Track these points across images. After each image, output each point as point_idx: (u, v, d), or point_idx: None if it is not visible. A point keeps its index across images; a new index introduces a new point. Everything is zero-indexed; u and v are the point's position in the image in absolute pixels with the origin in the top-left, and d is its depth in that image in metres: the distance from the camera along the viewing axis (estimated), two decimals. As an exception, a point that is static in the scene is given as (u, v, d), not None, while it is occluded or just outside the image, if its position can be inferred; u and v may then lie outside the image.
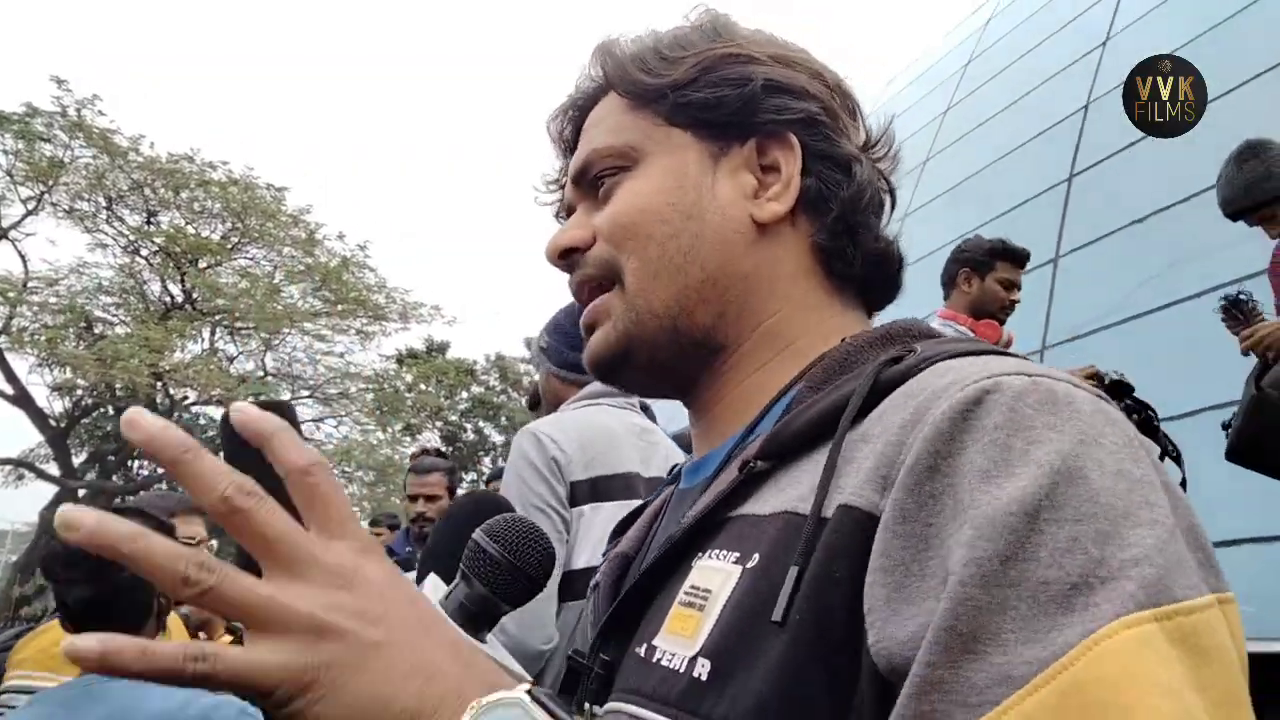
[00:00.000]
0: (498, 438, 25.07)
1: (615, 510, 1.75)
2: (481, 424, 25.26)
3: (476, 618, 0.68)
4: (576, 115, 0.75)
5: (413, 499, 3.69)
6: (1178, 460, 2.62)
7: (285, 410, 0.78)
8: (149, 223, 16.10)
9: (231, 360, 17.32)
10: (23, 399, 14.90)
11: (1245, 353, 2.64)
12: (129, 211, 15.92)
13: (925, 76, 11.38)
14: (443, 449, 4.97)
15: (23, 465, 16.40)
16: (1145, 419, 2.65)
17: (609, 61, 0.70)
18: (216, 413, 17.23)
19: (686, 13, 0.71)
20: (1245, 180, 2.67)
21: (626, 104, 0.69)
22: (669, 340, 0.66)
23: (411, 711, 0.41)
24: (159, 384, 15.40)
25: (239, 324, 16.64)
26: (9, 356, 14.58)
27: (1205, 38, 5.94)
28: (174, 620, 2.37)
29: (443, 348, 23.22)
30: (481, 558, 0.68)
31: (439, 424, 22.39)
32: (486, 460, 24.52)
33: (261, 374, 17.13)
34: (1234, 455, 2.67)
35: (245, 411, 0.46)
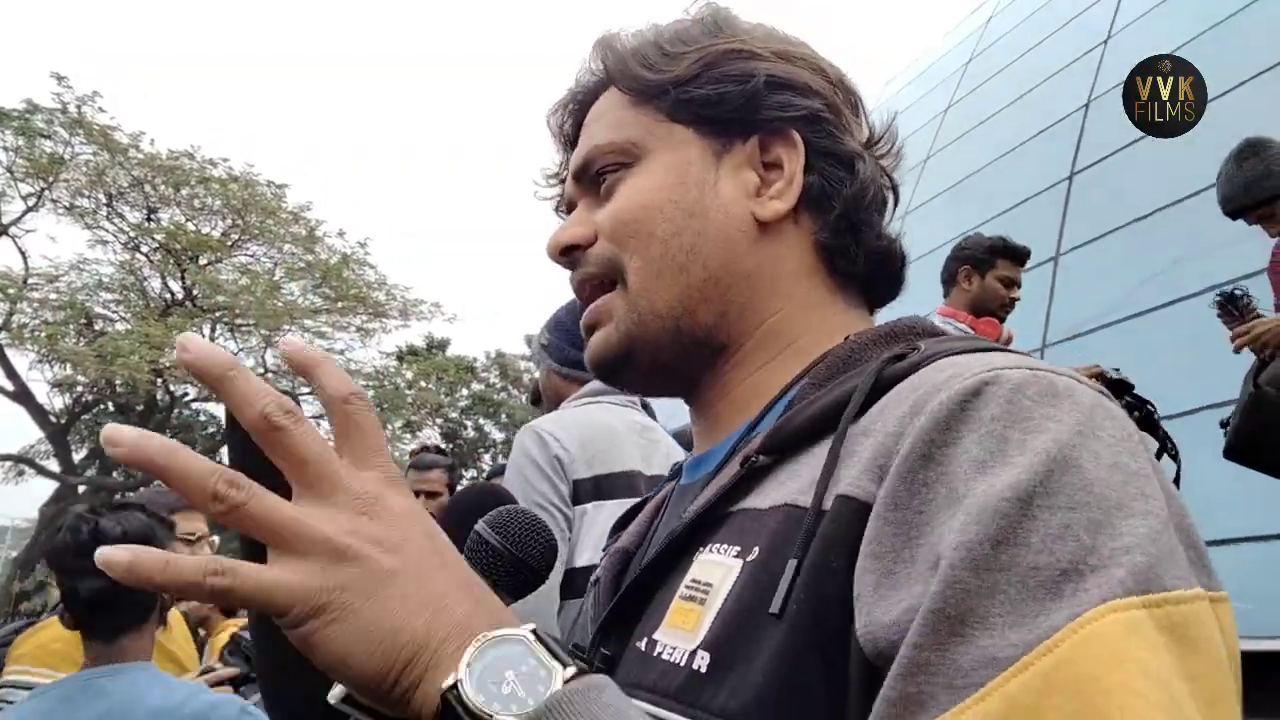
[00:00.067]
0: (498, 435, 25.08)
1: (617, 508, 1.76)
2: (482, 421, 25.26)
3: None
4: (577, 109, 0.74)
5: (413, 495, 3.68)
6: (1175, 458, 2.62)
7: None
8: (149, 219, 16.09)
9: (232, 357, 17.31)
10: (23, 395, 14.91)
11: (1238, 350, 2.65)
12: (129, 208, 15.92)
13: (926, 75, 11.37)
14: (442, 446, 4.94)
15: (23, 461, 16.41)
16: (1146, 415, 2.65)
17: (610, 56, 0.69)
18: (215, 409, 17.25)
19: (687, 6, 0.71)
20: (1245, 178, 2.67)
21: (628, 99, 0.68)
22: (671, 340, 0.65)
23: (420, 640, 0.42)
24: (159, 380, 15.39)
25: (239, 321, 16.64)
26: (9, 353, 14.59)
27: (1206, 36, 5.94)
28: (175, 615, 2.37)
29: (443, 345, 23.23)
30: (484, 549, 0.68)
31: (439, 421, 22.38)
32: (486, 457, 24.53)
33: (262, 371, 17.12)
34: (1232, 453, 2.67)
35: (291, 343, 0.48)
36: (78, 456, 16.81)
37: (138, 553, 0.40)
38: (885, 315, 0.71)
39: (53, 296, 15.24)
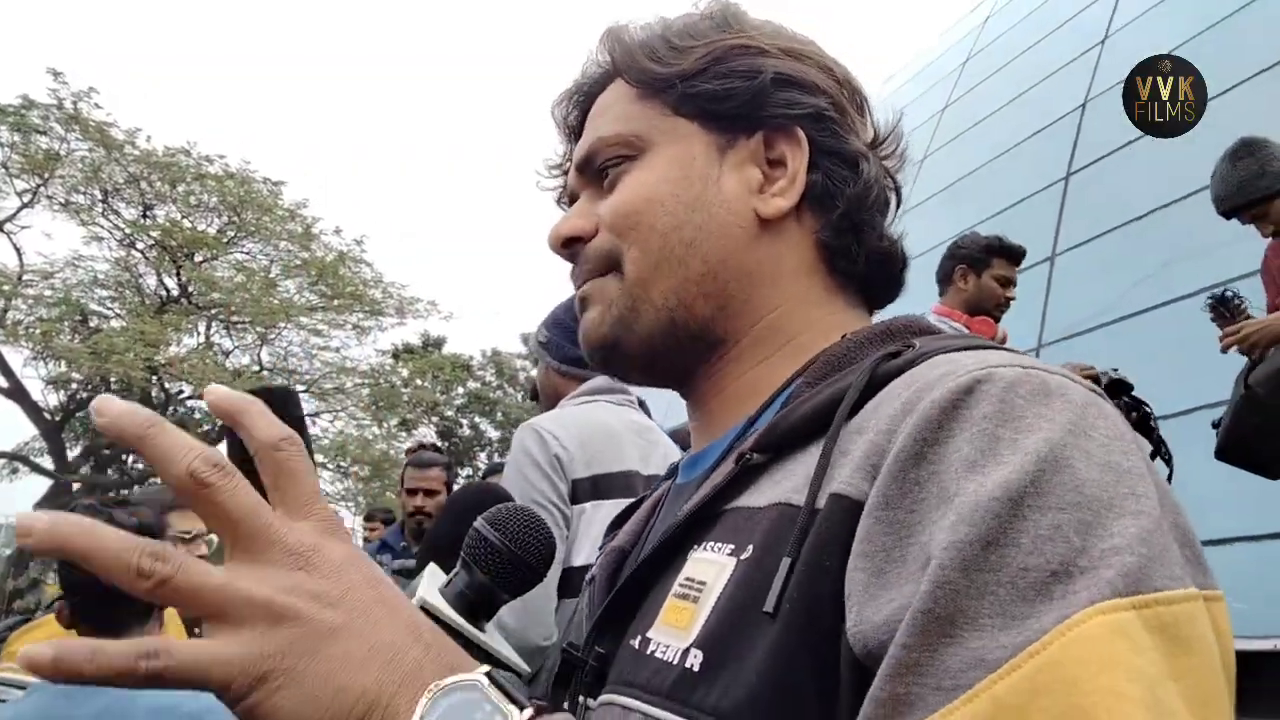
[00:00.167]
0: (493, 433, 25.07)
1: (614, 508, 1.77)
2: (477, 419, 25.26)
3: (476, 606, 0.68)
4: (582, 101, 0.74)
5: (411, 493, 3.65)
6: (1169, 463, 2.63)
7: (287, 395, 0.79)
8: (145, 216, 16.05)
9: (227, 354, 17.29)
10: (17, 392, 14.87)
11: (1225, 350, 2.65)
12: (125, 205, 15.88)
13: (923, 74, 11.38)
14: (439, 444, 4.93)
15: (17, 459, 16.36)
16: (1143, 416, 2.66)
17: (618, 48, 0.69)
18: (212, 407, 17.21)
19: (696, 1, 0.71)
20: (1239, 178, 2.67)
21: (634, 92, 0.68)
22: (665, 332, 0.65)
23: (371, 696, 0.40)
24: (154, 378, 15.36)
25: (235, 318, 16.60)
26: (4, 350, 14.56)
27: (1203, 37, 5.95)
28: (170, 614, 2.36)
29: (439, 343, 23.22)
30: (483, 546, 0.69)
31: (435, 419, 22.37)
32: (482, 456, 24.53)
33: (257, 368, 17.10)
34: (1223, 454, 2.68)
35: (215, 392, 0.46)
36: (72, 454, 16.77)
37: (60, 648, 0.37)
38: (883, 314, 0.71)
39: (47, 293, 15.19)
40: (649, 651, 0.53)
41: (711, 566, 0.52)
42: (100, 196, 15.44)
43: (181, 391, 16.85)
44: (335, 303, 17.16)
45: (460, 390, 23.96)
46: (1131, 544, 0.38)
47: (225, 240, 16.63)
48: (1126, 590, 0.37)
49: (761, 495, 0.53)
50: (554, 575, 1.75)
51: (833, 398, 0.53)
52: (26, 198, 14.75)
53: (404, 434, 18.51)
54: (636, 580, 0.59)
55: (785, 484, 0.52)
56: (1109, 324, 5.44)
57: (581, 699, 0.60)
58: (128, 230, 15.81)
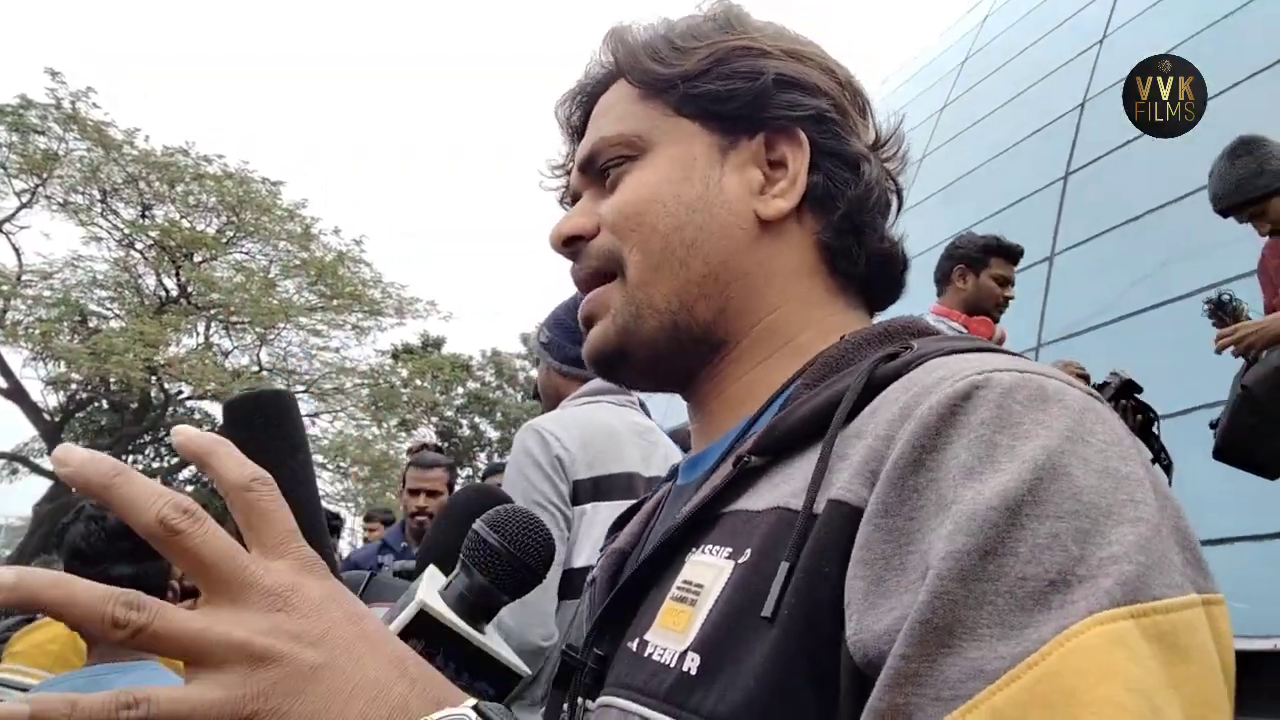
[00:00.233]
0: (493, 433, 25.06)
1: (615, 510, 1.78)
2: (477, 420, 25.25)
3: (476, 608, 0.68)
4: (586, 101, 0.74)
5: (413, 493, 3.64)
6: (1168, 469, 2.64)
7: (285, 400, 0.79)
8: (144, 216, 16.04)
9: (226, 355, 17.28)
10: (17, 393, 14.86)
11: (1219, 351, 2.66)
12: (124, 205, 15.86)
13: (922, 74, 11.38)
14: (440, 445, 4.93)
15: (16, 459, 16.35)
16: (1147, 420, 2.67)
17: (620, 48, 0.69)
18: (210, 407, 17.22)
19: (699, 2, 0.71)
20: (1237, 176, 2.67)
21: (637, 92, 0.68)
22: (668, 336, 0.65)
23: None
24: (153, 378, 15.35)
25: (234, 318, 16.59)
26: (3, 350, 14.53)
27: (1201, 36, 5.95)
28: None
29: (438, 343, 23.19)
30: (482, 548, 0.69)
31: (434, 419, 22.37)
32: (482, 456, 24.51)
33: (256, 369, 17.09)
34: (1221, 454, 2.68)
35: (183, 433, 0.46)
36: (72, 454, 16.71)
37: (37, 704, 0.37)
38: (881, 314, 0.72)
39: (46, 294, 15.17)
40: (647, 654, 0.53)
41: (709, 569, 0.52)
42: (99, 196, 15.42)
43: (181, 392, 16.84)
44: (334, 303, 17.15)
45: (460, 390, 23.95)
46: (1129, 552, 0.38)
47: (224, 240, 16.62)
48: (1124, 599, 0.37)
49: (760, 499, 0.53)
50: (554, 576, 1.75)
51: (830, 400, 0.53)
52: (25, 198, 14.74)
53: (403, 434, 18.53)
54: (635, 582, 0.59)
55: (784, 487, 0.52)
56: (1107, 324, 5.44)
57: (580, 701, 0.60)
58: (126, 230, 15.79)
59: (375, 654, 0.43)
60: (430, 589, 0.68)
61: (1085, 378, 2.53)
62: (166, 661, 1.74)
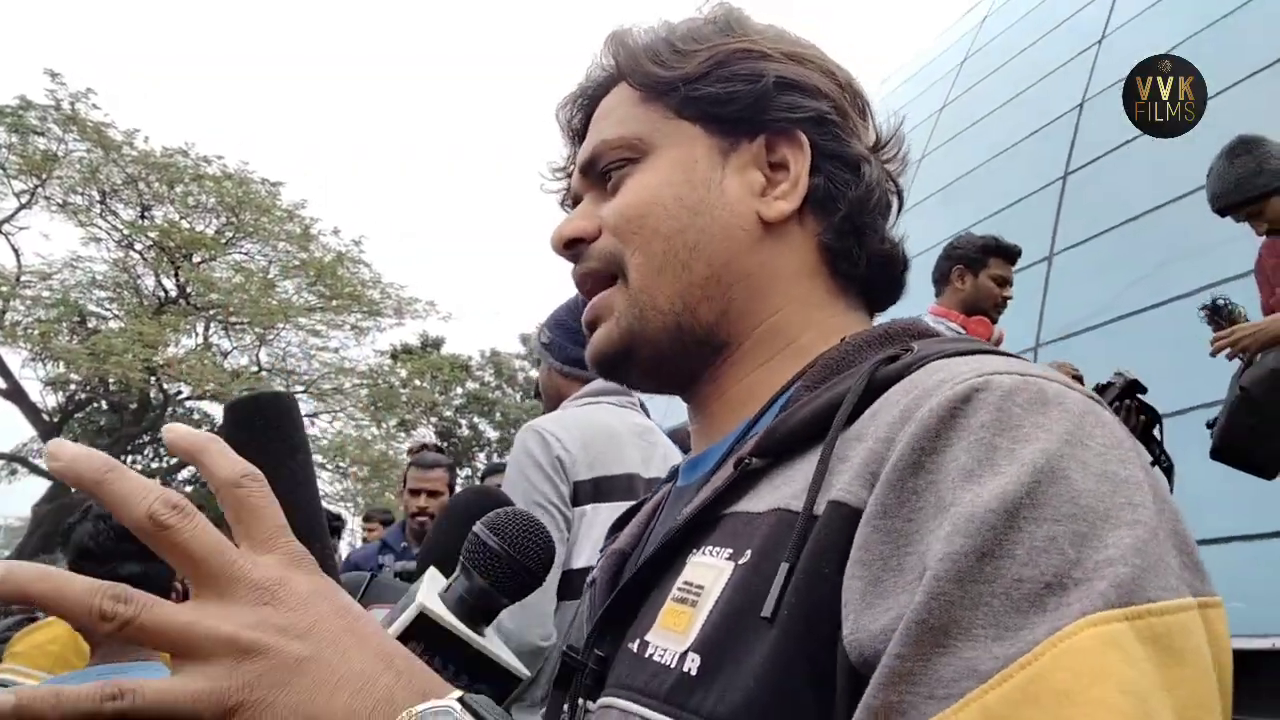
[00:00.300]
0: (492, 433, 25.06)
1: (615, 511, 1.78)
2: (476, 420, 25.25)
3: (476, 611, 0.68)
4: (586, 104, 0.74)
5: (414, 493, 3.63)
6: (1168, 471, 2.64)
7: (286, 401, 0.79)
8: (143, 217, 16.03)
9: (225, 355, 17.28)
10: (16, 393, 14.85)
11: (1215, 354, 2.66)
12: (123, 206, 15.86)
13: (921, 74, 11.39)
14: (440, 445, 4.93)
15: (15, 460, 16.33)
16: (1150, 422, 2.67)
17: (621, 52, 0.69)
18: (209, 407, 17.21)
19: (700, 5, 0.71)
20: (1236, 175, 2.67)
21: (638, 95, 0.68)
22: (672, 337, 0.65)
23: None
24: (152, 379, 15.34)
25: (233, 319, 16.58)
26: (2, 351, 14.53)
27: (1200, 37, 5.95)
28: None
29: (437, 343, 23.19)
30: (482, 551, 0.69)
31: (433, 420, 22.36)
32: (481, 456, 24.51)
33: (256, 369, 17.09)
34: (1218, 454, 2.68)
35: (174, 430, 0.47)
36: (71, 455, 16.70)
37: (23, 696, 0.38)
38: (881, 315, 0.72)
39: (46, 294, 15.17)
40: (647, 655, 0.53)
41: (709, 570, 0.53)
42: (98, 197, 15.42)
43: (180, 392, 16.83)
44: (334, 303, 17.15)
45: (459, 391, 23.95)
46: (1126, 555, 0.38)
47: (223, 241, 16.62)
48: (1119, 601, 0.37)
49: (760, 500, 0.53)
50: (554, 577, 1.75)
51: (831, 402, 0.53)
52: (24, 198, 14.74)
53: (403, 434, 18.52)
54: (636, 583, 0.59)
55: (784, 489, 0.52)
56: (1106, 324, 5.45)
57: (581, 702, 0.60)
58: (126, 231, 15.79)
59: (362, 647, 0.43)
60: (430, 592, 0.68)
61: (1079, 379, 2.53)
62: (169, 663, 1.74)
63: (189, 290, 16.42)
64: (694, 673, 0.49)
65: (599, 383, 1.98)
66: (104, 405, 17.29)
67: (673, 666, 0.51)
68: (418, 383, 20.40)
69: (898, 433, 0.46)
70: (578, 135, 0.75)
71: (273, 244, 16.94)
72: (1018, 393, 0.45)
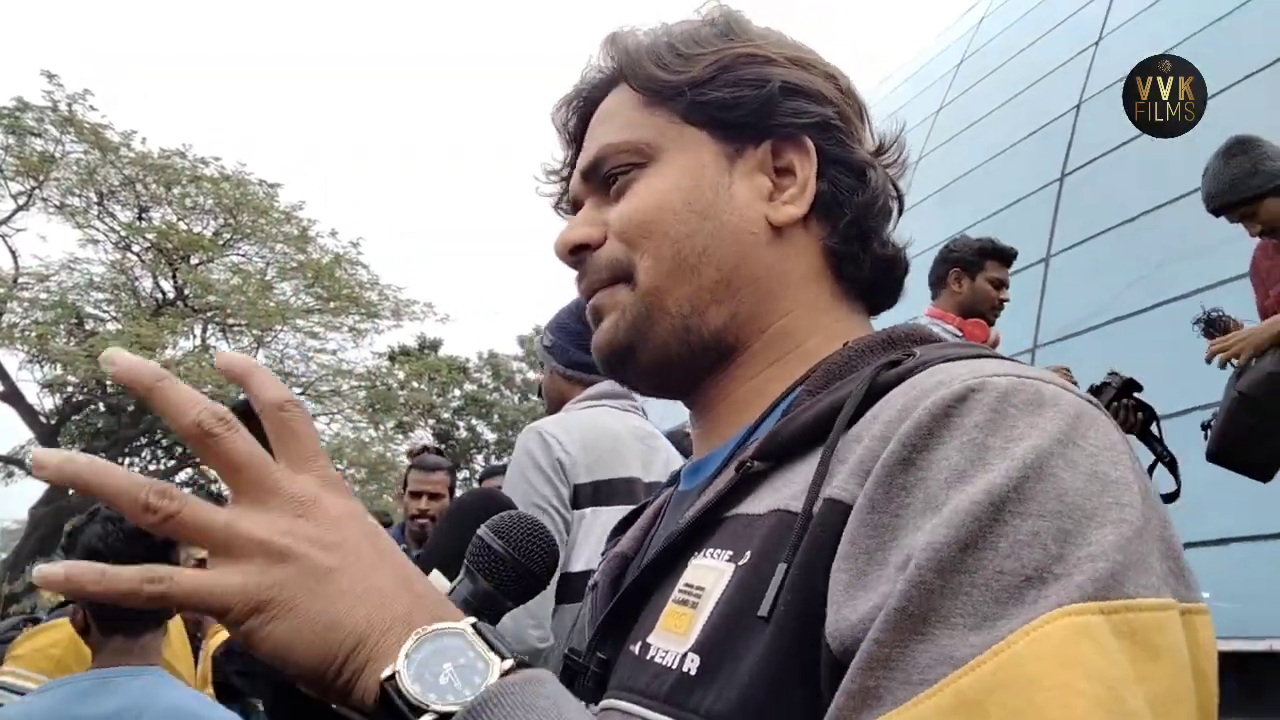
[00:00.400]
0: (490, 435, 25.03)
1: (615, 514, 1.78)
2: (474, 421, 25.21)
3: (480, 614, 0.68)
4: (583, 106, 0.73)
5: (415, 495, 3.61)
6: (1172, 467, 2.64)
7: None
8: (140, 219, 16.01)
9: (223, 357, 17.22)
10: (13, 395, 14.83)
11: (1209, 360, 2.67)
12: (120, 207, 15.84)
13: (918, 75, 11.40)
14: (440, 447, 4.90)
15: (12, 462, 16.31)
16: (1147, 419, 2.68)
17: (624, 55, 0.68)
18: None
19: (697, 7, 0.71)
20: (1231, 176, 2.67)
21: (640, 99, 0.68)
22: (680, 340, 0.65)
23: (360, 633, 0.43)
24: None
25: (231, 321, 16.56)
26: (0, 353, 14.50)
27: (1197, 38, 5.96)
28: (174, 623, 2.36)
29: (435, 345, 23.17)
30: (487, 554, 0.69)
31: (431, 421, 22.33)
32: (479, 458, 24.48)
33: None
34: (1215, 457, 2.69)
35: (226, 356, 0.50)
36: (68, 457, 16.67)
37: (71, 566, 0.41)
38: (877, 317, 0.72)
39: (43, 296, 15.15)
40: (649, 657, 0.54)
41: (710, 572, 0.53)
42: (96, 199, 15.40)
43: (177, 394, 16.77)
44: (331, 305, 17.14)
45: (457, 392, 23.92)
46: (1107, 551, 0.39)
47: (221, 243, 16.60)
48: (1096, 595, 0.38)
49: (761, 502, 0.54)
50: (552, 580, 1.75)
51: (832, 406, 0.54)
52: (21, 200, 14.72)
53: (400, 436, 18.49)
54: (638, 587, 0.60)
55: (784, 491, 0.53)
56: (1103, 325, 5.45)
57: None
58: (123, 233, 15.77)
59: (385, 568, 0.46)
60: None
61: (1074, 384, 2.53)
62: (169, 669, 1.75)
63: (186, 292, 16.40)
64: (693, 672, 0.49)
65: (601, 386, 1.98)
66: (101, 407, 17.25)
67: (673, 667, 0.51)
68: (415, 384, 20.39)
69: (893, 431, 0.47)
70: (573, 137, 0.75)
71: (270, 245, 16.93)
72: (1013, 393, 0.45)
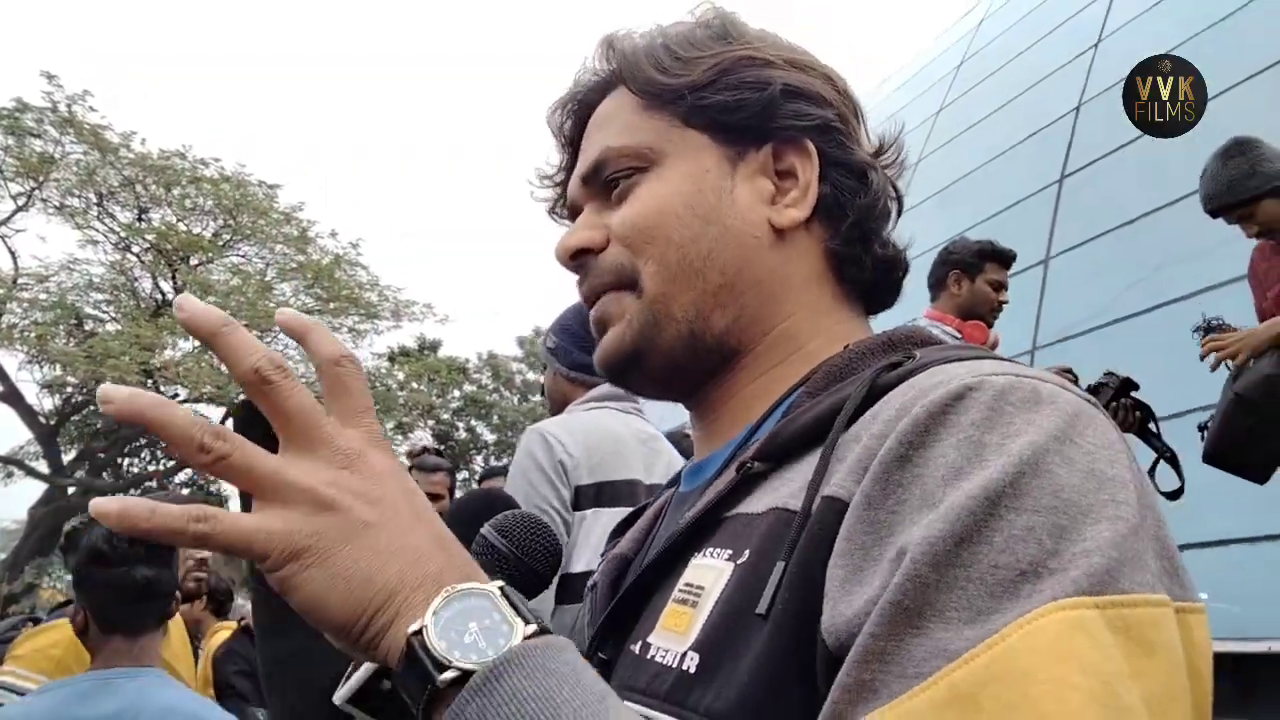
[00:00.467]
0: (490, 436, 25.00)
1: (616, 516, 1.78)
2: (473, 422, 25.19)
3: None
4: (579, 109, 0.73)
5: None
6: (1174, 463, 2.64)
7: None
8: (140, 219, 16.00)
9: (223, 358, 17.22)
10: (12, 396, 14.82)
11: (1203, 357, 2.67)
12: (120, 208, 15.83)
13: (918, 77, 11.40)
14: (439, 448, 4.91)
15: (12, 463, 16.30)
16: (1145, 417, 2.68)
17: (622, 59, 0.68)
18: (207, 410, 17.17)
19: (692, 9, 0.70)
20: (1229, 176, 2.66)
21: (639, 103, 0.67)
22: (685, 345, 0.65)
23: (392, 587, 0.44)
24: (149, 381, 15.29)
25: (230, 321, 16.53)
26: (-1, 354, 14.49)
27: (1196, 40, 5.97)
28: (174, 624, 2.37)
29: (434, 346, 23.15)
30: (490, 553, 0.69)
31: (431, 422, 22.31)
32: (478, 459, 24.46)
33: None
34: (1212, 459, 2.69)
35: (286, 313, 0.52)
36: (67, 458, 16.69)
37: (125, 502, 0.42)
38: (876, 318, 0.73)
39: (42, 297, 15.13)
40: (649, 656, 0.54)
41: (710, 572, 0.53)
42: (95, 200, 15.39)
43: (177, 395, 16.78)
44: (331, 306, 17.12)
45: (456, 393, 23.89)
46: (1102, 547, 0.39)
47: (220, 243, 16.59)
48: (1091, 589, 0.38)
49: (760, 502, 0.54)
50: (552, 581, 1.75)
51: (832, 408, 0.54)
52: (21, 201, 14.71)
53: (400, 437, 18.48)
54: (639, 587, 0.60)
55: (783, 490, 0.53)
56: (1102, 327, 5.46)
57: None
58: (123, 233, 15.76)
59: (421, 527, 0.47)
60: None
61: (1075, 382, 2.54)
62: (169, 670, 1.75)
63: (186, 293, 16.38)
64: (693, 671, 0.50)
65: (604, 388, 1.98)
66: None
67: (673, 666, 0.51)
68: (415, 385, 20.37)
69: (892, 430, 0.47)
70: (570, 141, 0.74)
71: (270, 246, 16.92)
72: (1011, 391, 0.46)
